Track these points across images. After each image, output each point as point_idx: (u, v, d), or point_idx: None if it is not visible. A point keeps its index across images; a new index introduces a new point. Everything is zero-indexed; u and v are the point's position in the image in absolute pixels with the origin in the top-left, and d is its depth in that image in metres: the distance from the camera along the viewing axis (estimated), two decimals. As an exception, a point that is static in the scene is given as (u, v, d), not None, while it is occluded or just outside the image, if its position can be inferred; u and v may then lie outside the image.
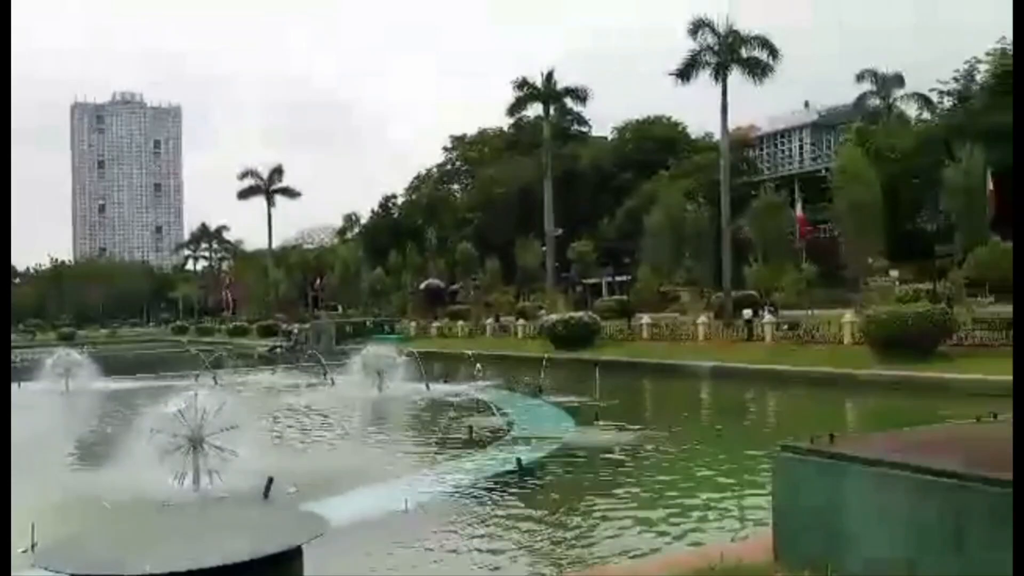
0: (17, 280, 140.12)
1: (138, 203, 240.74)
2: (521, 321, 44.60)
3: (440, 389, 23.62)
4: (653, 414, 20.52)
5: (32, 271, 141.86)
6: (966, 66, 55.52)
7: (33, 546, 7.87)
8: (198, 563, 3.04)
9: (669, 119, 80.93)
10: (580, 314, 36.84)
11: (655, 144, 74.99)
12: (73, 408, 24.14)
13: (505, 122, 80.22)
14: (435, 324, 52.90)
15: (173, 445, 10.52)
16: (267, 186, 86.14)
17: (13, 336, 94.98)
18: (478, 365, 26.94)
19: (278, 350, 52.31)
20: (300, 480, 10.65)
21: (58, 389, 26.83)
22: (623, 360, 29.60)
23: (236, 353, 49.73)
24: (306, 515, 4.07)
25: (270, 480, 10.08)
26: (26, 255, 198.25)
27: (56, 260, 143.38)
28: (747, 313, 32.13)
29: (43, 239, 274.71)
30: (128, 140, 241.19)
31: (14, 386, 28.99)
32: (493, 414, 16.56)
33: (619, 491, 10.72)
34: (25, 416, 21.55)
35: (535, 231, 59.21)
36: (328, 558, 4.97)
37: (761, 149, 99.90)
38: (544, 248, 57.20)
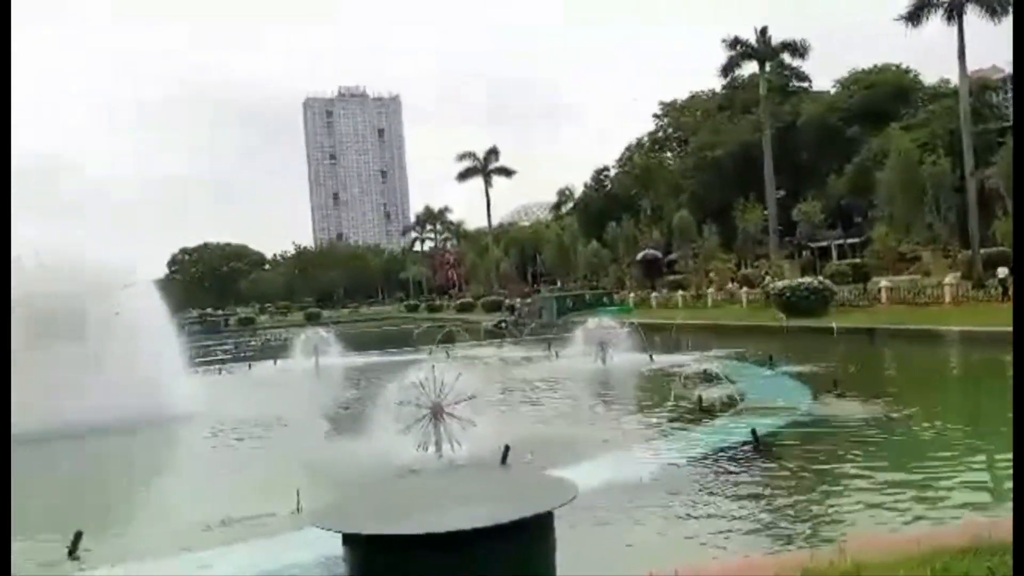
0: (267, 267, 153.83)
1: (367, 190, 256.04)
2: (745, 289, 43.20)
3: (664, 360, 23.30)
4: (897, 384, 19.16)
5: (279, 258, 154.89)
6: None
7: (298, 508, 8.54)
8: (460, 525, 3.09)
9: (898, 66, 74.95)
10: (809, 279, 35.08)
11: (884, 94, 69.71)
12: (324, 382, 26.01)
13: (718, 83, 77.71)
14: (654, 295, 52.41)
15: (416, 415, 11.04)
16: (484, 166, 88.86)
17: (264, 317, 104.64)
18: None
19: (503, 324, 53.89)
20: (534, 449, 10.85)
21: (309, 365, 29.07)
22: (860, 327, 27.87)
23: (464, 328, 51.79)
24: (555, 480, 4.06)
25: (507, 448, 10.37)
26: (273, 244, 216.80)
27: (299, 247, 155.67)
28: (1002, 272, 29.27)
29: (287, 228, 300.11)
30: (354, 131, 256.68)
31: (268, 363, 31.94)
32: (723, 384, 16.08)
33: (862, 463, 10.07)
34: (283, 391, 23.65)
35: (755, 194, 56.96)
36: (568, 525, 4.97)
37: (1006, 92, 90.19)
38: (766, 211, 54.96)
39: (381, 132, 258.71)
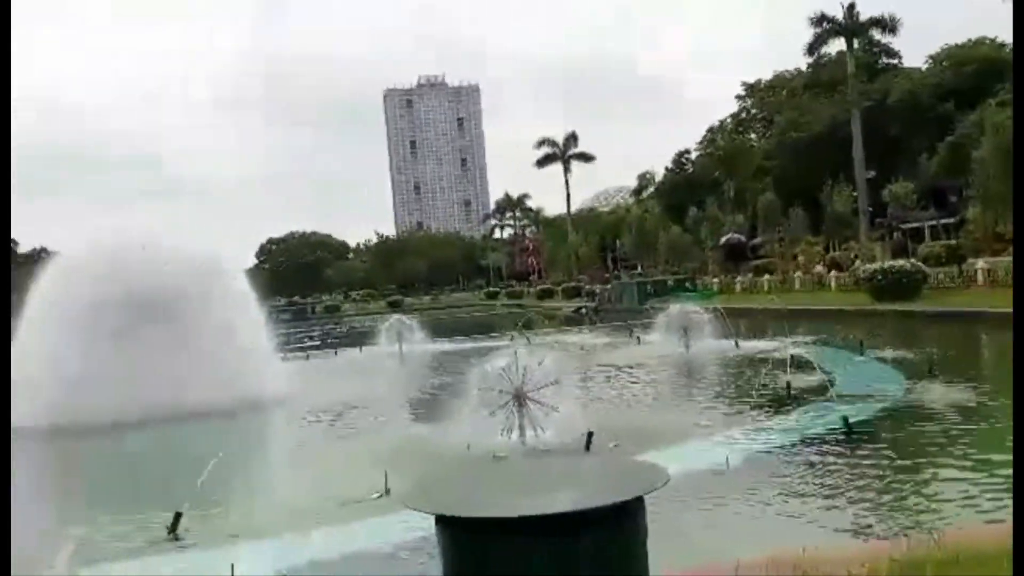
0: (350, 255, 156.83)
1: (447, 178, 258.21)
2: (834, 272, 42.13)
3: (750, 346, 22.90)
4: (997, 370, 18.40)
5: (362, 246, 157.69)
6: None
7: (387, 491, 8.70)
8: (551, 509, 3.10)
9: (993, 40, 71.66)
10: (901, 262, 33.98)
11: (978, 69, 66.78)
12: (409, 368, 26.42)
13: (803, 62, 75.73)
14: (738, 280, 51.54)
15: (499, 401, 11.11)
16: (563, 152, 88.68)
17: (348, 305, 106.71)
18: (792, 321, 25.73)
19: (583, 311, 53.76)
20: (617, 435, 10.80)
21: (393, 351, 29.56)
22: (956, 311, 26.87)
23: (544, 315, 51.86)
24: (645, 465, 4.03)
25: (590, 434, 10.35)
26: (356, 232, 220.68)
27: (382, 236, 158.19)
28: (1109, 252, 27.79)
29: (369, 217, 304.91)
30: (434, 120, 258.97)
31: (354, 350, 32.60)
32: (812, 371, 15.71)
33: (959, 453, 9.70)
34: (369, 377, 24.09)
35: (843, 175, 55.36)
36: (654, 510, 4.92)
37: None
38: (854, 192, 53.42)
39: (461, 121, 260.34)
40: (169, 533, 8.09)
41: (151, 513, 8.70)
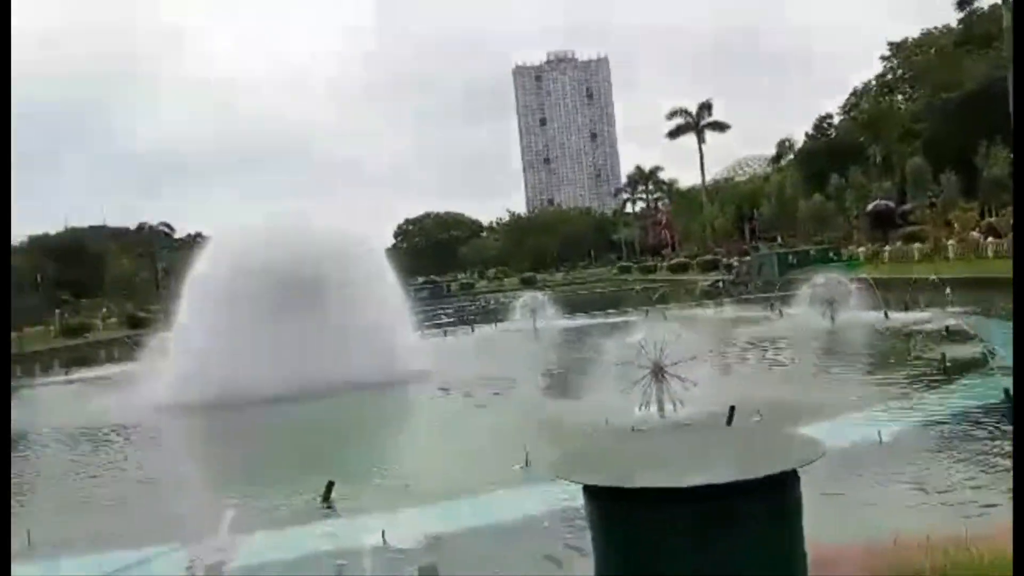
0: (483, 233, 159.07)
1: (577, 152, 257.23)
2: (991, 239, 39.59)
3: (900, 317, 21.86)
4: None
5: (494, 224, 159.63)
6: None
7: (528, 463, 8.83)
8: (702, 480, 3.07)
9: None
10: (1068, 226, 31.53)
11: None
12: (544, 343, 26.60)
13: (953, 18, 71.07)
14: (886, 248, 49.19)
15: (636, 375, 11.04)
16: (696, 122, 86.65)
17: (483, 282, 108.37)
18: (947, 290, 24.35)
19: (720, 284, 52.64)
20: (760, 410, 10.54)
21: (528, 327, 29.82)
22: None
23: (680, 289, 51.10)
24: (798, 437, 3.93)
25: (732, 408, 10.15)
26: (488, 211, 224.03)
27: (513, 213, 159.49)
28: None
29: (502, 195, 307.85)
30: (564, 95, 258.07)
31: (490, 328, 33.07)
32: (970, 342, 14.85)
33: None
34: (506, 351, 24.44)
35: (1000, 137, 51.76)
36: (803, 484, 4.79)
37: None
38: (1012, 155, 49.82)
39: (590, 94, 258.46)
40: (322, 501, 8.45)
41: (305, 482, 9.12)
